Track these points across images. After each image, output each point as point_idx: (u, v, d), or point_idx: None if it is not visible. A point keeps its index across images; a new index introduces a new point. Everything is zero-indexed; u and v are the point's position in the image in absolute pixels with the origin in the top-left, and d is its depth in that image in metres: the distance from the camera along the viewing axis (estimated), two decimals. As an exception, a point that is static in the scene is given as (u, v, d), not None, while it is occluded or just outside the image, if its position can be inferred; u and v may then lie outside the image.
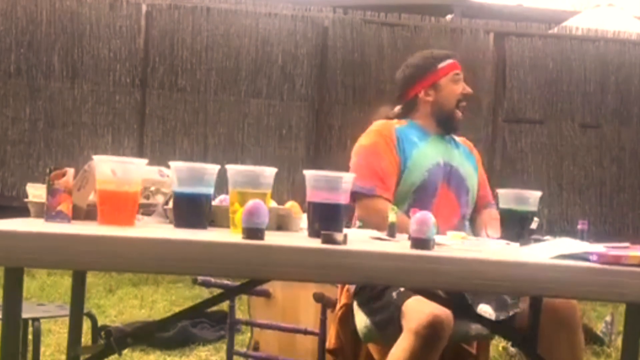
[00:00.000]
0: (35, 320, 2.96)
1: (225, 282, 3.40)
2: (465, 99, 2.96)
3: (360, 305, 2.72)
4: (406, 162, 2.84)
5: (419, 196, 2.79)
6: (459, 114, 2.95)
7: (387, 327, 2.55)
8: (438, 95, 2.95)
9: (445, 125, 2.96)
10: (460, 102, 2.95)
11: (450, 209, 2.82)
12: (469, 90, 2.98)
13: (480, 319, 2.50)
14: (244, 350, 3.81)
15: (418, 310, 2.40)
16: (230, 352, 3.42)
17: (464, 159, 2.98)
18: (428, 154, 2.88)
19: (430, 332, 2.35)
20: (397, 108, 3.01)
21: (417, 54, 3.07)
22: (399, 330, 2.46)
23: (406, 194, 2.81)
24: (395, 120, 2.96)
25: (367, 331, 2.68)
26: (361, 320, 2.71)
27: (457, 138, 3.05)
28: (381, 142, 2.84)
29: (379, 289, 2.63)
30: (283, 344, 3.70)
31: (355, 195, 2.65)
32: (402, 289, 2.54)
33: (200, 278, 3.40)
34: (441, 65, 2.98)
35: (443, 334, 2.38)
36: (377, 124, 2.94)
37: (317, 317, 3.18)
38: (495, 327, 2.57)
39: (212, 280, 3.40)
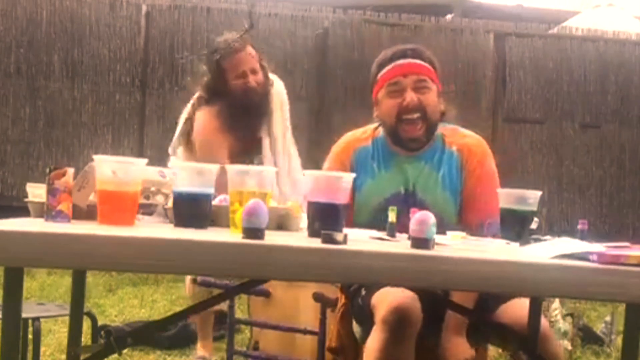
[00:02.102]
0: (36, 319, 2.96)
1: (225, 282, 3.40)
2: (410, 111, 2.53)
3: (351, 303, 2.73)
4: (355, 194, 2.58)
5: (373, 224, 2.44)
6: (406, 130, 2.56)
7: (367, 328, 2.54)
8: (379, 111, 2.66)
9: (399, 143, 2.60)
10: (400, 117, 2.55)
11: None
12: (408, 100, 2.53)
13: (462, 309, 2.48)
14: (243, 349, 3.82)
15: (384, 301, 2.38)
16: (230, 352, 3.42)
17: (440, 181, 2.61)
18: (383, 185, 2.61)
19: (396, 319, 2.33)
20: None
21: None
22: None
23: (361, 218, 2.58)
24: (371, 130, 2.73)
25: (361, 334, 2.70)
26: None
27: (453, 147, 2.64)
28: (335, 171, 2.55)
29: (352, 295, 2.62)
30: (283, 343, 3.70)
31: None
32: (363, 292, 2.54)
33: (200, 278, 3.41)
34: (380, 74, 2.65)
35: (409, 319, 2.34)
36: (340, 144, 2.75)
37: (317, 316, 3.18)
38: (495, 327, 2.57)
39: (212, 280, 3.40)
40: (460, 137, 2.69)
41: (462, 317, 2.52)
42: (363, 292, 2.57)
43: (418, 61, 2.61)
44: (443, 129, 2.68)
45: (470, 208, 2.60)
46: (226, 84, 3.72)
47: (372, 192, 2.61)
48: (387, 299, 2.38)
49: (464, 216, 2.62)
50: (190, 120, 3.87)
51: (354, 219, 2.60)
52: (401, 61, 2.61)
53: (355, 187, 2.58)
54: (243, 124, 3.72)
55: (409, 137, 2.58)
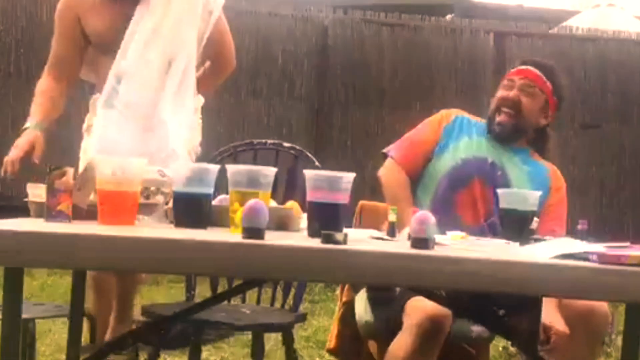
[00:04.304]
0: (30, 321, 2.91)
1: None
2: (507, 105, 2.86)
3: (368, 295, 2.73)
4: (448, 144, 2.87)
5: (448, 182, 2.82)
6: (499, 117, 2.87)
7: (389, 322, 2.57)
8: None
9: (492, 129, 2.90)
10: (500, 107, 2.88)
11: (480, 210, 2.80)
12: (510, 95, 2.87)
13: (481, 319, 2.51)
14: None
15: (419, 307, 2.45)
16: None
17: (526, 174, 2.89)
18: (476, 147, 2.88)
19: (430, 328, 2.40)
20: None
21: None
22: (398, 326, 2.48)
23: (435, 176, 2.85)
24: (477, 119, 3.00)
25: (368, 326, 2.69)
26: (363, 315, 2.72)
27: (541, 161, 2.97)
28: (432, 120, 2.95)
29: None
30: None
31: (386, 155, 2.92)
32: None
33: None
34: (508, 72, 2.99)
35: (442, 330, 2.43)
36: (450, 109, 3.02)
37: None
38: (496, 327, 2.57)
39: None
40: (544, 160, 3.00)
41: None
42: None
43: (538, 72, 2.92)
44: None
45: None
46: None
47: (467, 146, 2.87)
48: (423, 306, 2.44)
49: None
50: None
51: (441, 159, 2.86)
52: (524, 67, 2.94)
53: (451, 139, 2.88)
54: None
55: (499, 121, 2.87)
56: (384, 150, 2.93)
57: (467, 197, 2.80)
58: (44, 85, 3.20)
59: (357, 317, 2.74)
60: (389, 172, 2.88)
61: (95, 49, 3.11)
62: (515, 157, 2.91)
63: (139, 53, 2.95)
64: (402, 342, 2.44)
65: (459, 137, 2.90)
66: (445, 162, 2.85)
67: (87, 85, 3.45)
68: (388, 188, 2.86)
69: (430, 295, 2.36)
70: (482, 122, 2.97)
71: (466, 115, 2.99)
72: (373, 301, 2.70)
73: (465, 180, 2.81)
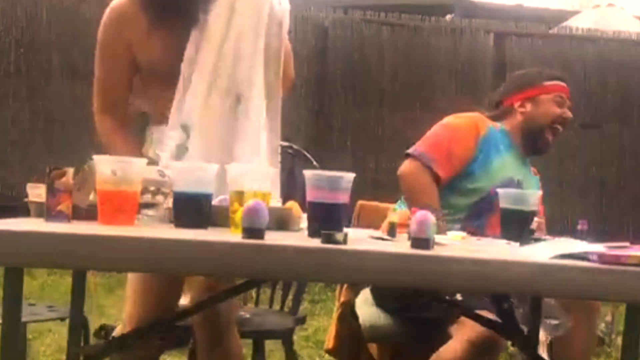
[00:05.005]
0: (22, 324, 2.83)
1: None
2: (562, 123, 2.91)
3: (379, 299, 2.72)
4: (484, 163, 2.79)
5: (483, 203, 2.76)
6: (549, 135, 2.90)
7: (427, 327, 2.56)
8: (534, 109, 2.91)
9: (531, 142, 2.91)
10: (554, 124, 2.90)
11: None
12: (569, 115, 2.91)
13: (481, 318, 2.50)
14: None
15: (476, 323, 2.42)
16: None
17: (534, 183, 2.96)
18: (507, 166, 2.86)
19: (486, 344, 2.40)
20: (490, 113, 2.98)
21: (527, 69, 3.10)
22: (443, 334, 2.48)
23: (472, 196, 2.79)
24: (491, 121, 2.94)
25: (374, 330, 2.69)
26: (369, 318, 2.71)
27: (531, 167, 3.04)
28: (467, 129, 2.84)
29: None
30: None
31: (411, 156, 2.74)
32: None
33: None
34: (548, 82, 2.93)
35: (497, 350, 2.43)
36: (474, 114, 2.92)
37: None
38: (496, 327, 2.57)
39: None
40: None
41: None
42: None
43: None
44: None
45: None
46: None
47: (502, 167, 2.83)
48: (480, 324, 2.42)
49: None
50: None
51: (479, 180, 2.78)
52: (564, 84, 2.96)
53: (486, 159, 2.80)
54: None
55: (548, 139, 2.93)
56: (410, 152, 2.77)
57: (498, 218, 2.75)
58: (111, 129, 2.64)
59: (360, 319, 2.73)
60: (416, 176, 2.73)
61: (146, 76, 2.59)
62: (525, 166, 2.96)
63: (203, 98, 2.46)
64: (454, 354, 2.43)
65: (493, 155, 2.83)
66: (483, 184, 2.79)
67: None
68: (416, 193, 2.71)
69: (477, 318, 2.36)
70: (495, 127, 2.91)
71: (490, 122, 2.91)
72: (384, 303, 2.69)
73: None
